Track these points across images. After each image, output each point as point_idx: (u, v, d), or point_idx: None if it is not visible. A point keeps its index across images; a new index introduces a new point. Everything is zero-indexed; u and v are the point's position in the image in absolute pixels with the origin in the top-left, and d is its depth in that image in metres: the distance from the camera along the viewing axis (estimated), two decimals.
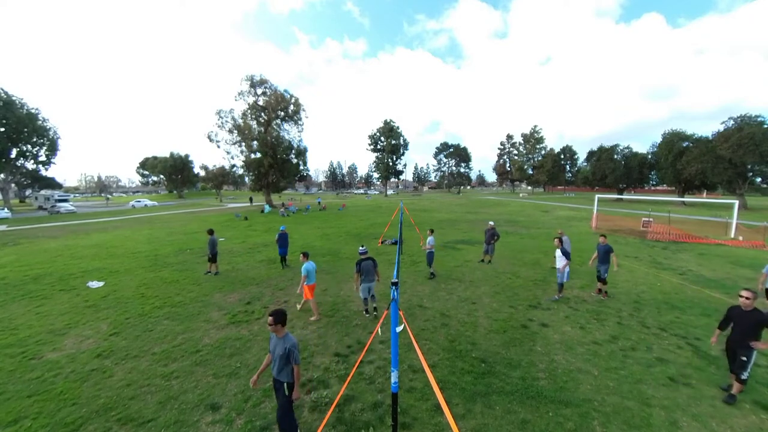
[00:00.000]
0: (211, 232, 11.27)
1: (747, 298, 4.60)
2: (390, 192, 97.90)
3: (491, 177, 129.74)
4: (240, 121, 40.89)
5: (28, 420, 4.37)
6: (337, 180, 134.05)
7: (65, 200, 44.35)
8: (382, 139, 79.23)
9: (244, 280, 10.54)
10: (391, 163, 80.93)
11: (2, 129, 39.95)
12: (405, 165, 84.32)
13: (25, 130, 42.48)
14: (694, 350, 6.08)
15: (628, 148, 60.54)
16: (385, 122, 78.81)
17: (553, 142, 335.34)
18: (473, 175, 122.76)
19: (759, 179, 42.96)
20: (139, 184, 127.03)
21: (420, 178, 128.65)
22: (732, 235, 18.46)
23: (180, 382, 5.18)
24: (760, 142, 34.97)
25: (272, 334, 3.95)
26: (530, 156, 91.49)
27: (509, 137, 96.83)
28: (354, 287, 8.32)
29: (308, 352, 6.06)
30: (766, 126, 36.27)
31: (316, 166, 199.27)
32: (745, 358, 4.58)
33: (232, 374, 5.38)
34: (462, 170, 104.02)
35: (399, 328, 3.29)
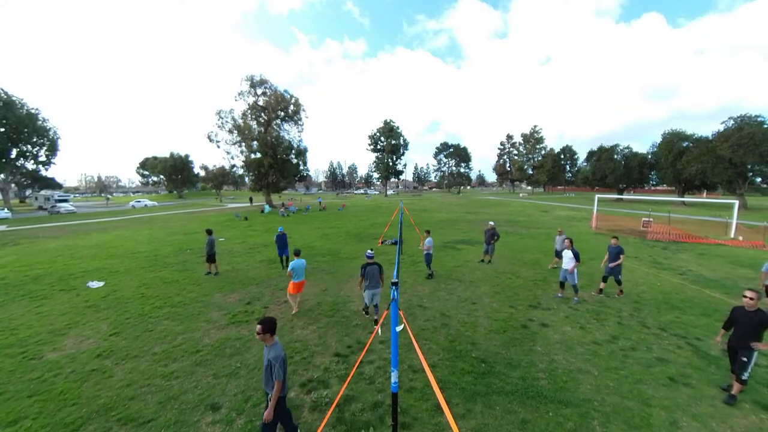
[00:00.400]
0: (209, 232, 11.28)
1: (751, 299, 4.59)
2: (390, 192, 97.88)
3: (491, 177, 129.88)
4: (240, 121, 40.89)
5: (29, 420, 4.37)
6: (337, 180, 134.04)
7: (65, 200, 44.37)
8: (382, 139, 79.22)
9: (244, 280, 10.54)
10: (391, 163, 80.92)
11: (2, 129, 39.99)
12: (405, 165, 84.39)
13: (25, 130, 42.51)
14: (694, 350, 6.08)
15: (628, 148, 60.62)
16: (385, 122, 78.81)
17: (553, 142, 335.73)
18: (473, 175, 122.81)
19: (759, 179, 42.96)
20: (139, 184, 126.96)
21: (420, 178, 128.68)
22: (732, 235, 18.46)
23: (180, 382, 5.18)
24: (760, 142, 34.98)
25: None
26: (530, 156, 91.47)
27: (509, 137, 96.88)
28: (356, 287, 8.29)
29: (308, 352, 6.06)
30: (766, 126, 36.28)
31: (316, 166, 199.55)
32: (745, 359, 4.57)
33: (232, 374, 5.38)
34: (462, 170, 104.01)
35: (399, 328, 3.29)
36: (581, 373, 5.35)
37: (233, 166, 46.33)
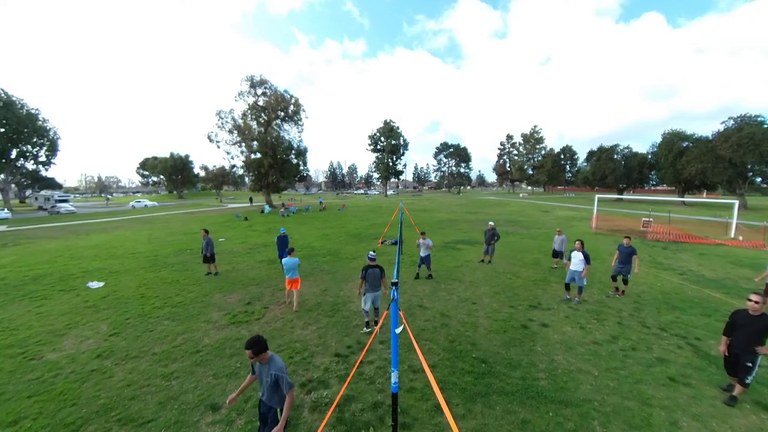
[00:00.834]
0: (206, 231, 11.28)
1: (756, 302, 4.52)
2: (390, 192, 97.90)
3: (491, 177, 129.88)
4: (240, 121, 40.89)
5: (28, 420, 4.37)
6: (337, 180, 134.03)
7: (65, 200, 44.44)
8: (382, 139, 79.21)
9: (245, 280, 10.54)
10: (391, 164, 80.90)
11: (2, 129, 39.94)
12: (405, 165, 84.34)
13: (25, 130, 42.48)
14: (694, 350, 6.08)
15: (628, 148, 60.62)
16: (385, 122, 78.80)
17: (553, 142, 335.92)
18: (473, 175, 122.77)
19: (759, 179, 43.01)
20: (139, 184, 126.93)
21: (420, 178, 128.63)
22: (732, 235, 18.46)
23: (180, 383, 5.18)
24: (760, 141, 34.99)
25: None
26: (530, 156, 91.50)
27: (509, 137, 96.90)
28: (357, 291, 8.02)
29: (308, 352, 6.06)
30: (766, 126, 36.29)
31: (316, 166, 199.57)
32: (750, 364, 4.52)
33: (232, 374, 5.38)
34: (462, 170, 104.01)
35: (399, 329, 3.29)
36: (581, 373, 5.34)
37: (233, 166, 46.37)
